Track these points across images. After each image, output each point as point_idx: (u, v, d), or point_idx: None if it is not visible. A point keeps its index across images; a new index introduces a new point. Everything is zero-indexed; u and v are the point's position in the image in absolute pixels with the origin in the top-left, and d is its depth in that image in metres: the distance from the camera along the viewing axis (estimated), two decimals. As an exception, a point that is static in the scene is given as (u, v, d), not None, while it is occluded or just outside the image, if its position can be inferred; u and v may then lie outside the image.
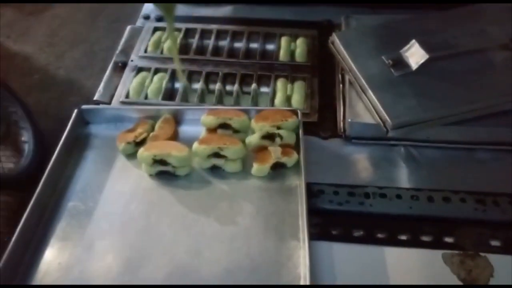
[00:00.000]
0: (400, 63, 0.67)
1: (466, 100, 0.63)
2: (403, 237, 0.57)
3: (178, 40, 0.82)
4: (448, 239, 0.57)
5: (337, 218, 0.59)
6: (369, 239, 0.57)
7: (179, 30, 0.84)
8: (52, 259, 0.55)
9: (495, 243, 0.56)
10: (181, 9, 0.91)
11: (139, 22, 0.89)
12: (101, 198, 0.61)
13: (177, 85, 0.77)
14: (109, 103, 0.73)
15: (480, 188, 0.61)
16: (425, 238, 0.57)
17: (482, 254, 0.55)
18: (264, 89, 0.76)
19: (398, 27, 0.74)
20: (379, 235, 0.58)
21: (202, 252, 0.55)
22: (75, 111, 0.67)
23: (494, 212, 0.59)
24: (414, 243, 0.57)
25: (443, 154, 0.66)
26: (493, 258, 0.55)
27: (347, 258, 0.56)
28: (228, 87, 0.77)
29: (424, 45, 0.66)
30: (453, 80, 0.65)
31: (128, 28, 0.86)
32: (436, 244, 0.56)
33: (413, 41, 0.67)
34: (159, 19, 0.89)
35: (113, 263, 0.55)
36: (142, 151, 0.61)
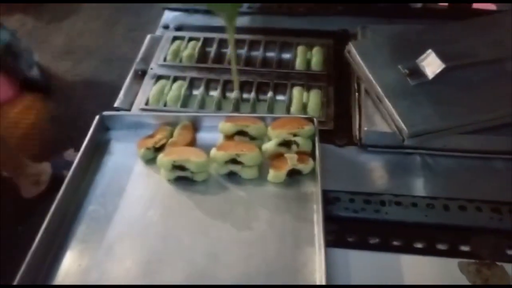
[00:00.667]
0: (417, 72, 0.67)
1: (482, 109, 0.64)
2: (419, 245, 0.58)
3: (196, 49, 0.84)
4: (464, 248, 0.57)
5: (352, 225, 0.60)
6: (384, 247, 0.58)
7: (197, 39, 0.86)
8: (73, 261, 0.57)
9: (511, 252, 0.56)
10: (199, 19, 0.93)
11: (159, 31, 0.91)
12: (121, 202, 0.62)
13: (196, 92, 0.78)
14: (129, 109, 0.75)
15: (496, 197, 0.61)
16: (441, 247, 0.57)
17: (498, 263, 0.55)
18: (280, 97, 0.77)
19: (414, 37, 0.75)
20: (395, 243, 0.58)
21: (219, 256, 0.56)
22: (97, 117, 0.69)
23: (510, 221, 0.58)
24: (429, 251, 0.57)
25: (459, 163, 0.66)
26: (510, 267, 0.54)
27: (363, 265, 0.56)
28: (245, 95, 0.78)
29: (441, 55, 0.66)
30: (469, 90, 0.66)
31: (148, 37, 0.88)
32: (452, 253, 0.57)
33: (430, 50, 0.67)
34: (178, 28, 0.91)
35: (131, 266, 0.56)
36: (162, 157, 0.62)
